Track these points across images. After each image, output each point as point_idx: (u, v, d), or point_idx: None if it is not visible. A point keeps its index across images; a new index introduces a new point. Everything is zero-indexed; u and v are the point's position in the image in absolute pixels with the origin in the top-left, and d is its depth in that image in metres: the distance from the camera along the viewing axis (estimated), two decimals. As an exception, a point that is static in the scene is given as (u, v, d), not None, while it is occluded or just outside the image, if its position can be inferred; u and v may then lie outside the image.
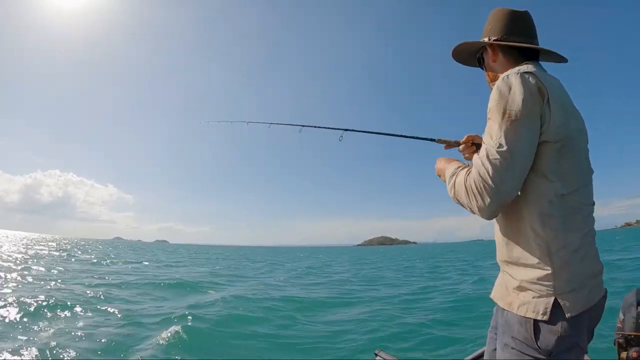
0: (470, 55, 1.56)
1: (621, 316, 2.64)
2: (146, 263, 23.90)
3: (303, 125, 2.47)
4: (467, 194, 1.21)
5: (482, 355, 2.45)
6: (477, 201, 1.18)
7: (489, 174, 1.14)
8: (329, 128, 2.26)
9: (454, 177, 1.30)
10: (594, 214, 1.29)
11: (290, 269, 24.32)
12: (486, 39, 1.44)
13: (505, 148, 1.14)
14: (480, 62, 1.54)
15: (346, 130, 2.07)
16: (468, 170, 1.25)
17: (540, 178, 1.18)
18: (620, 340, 2.58)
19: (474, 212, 1.23)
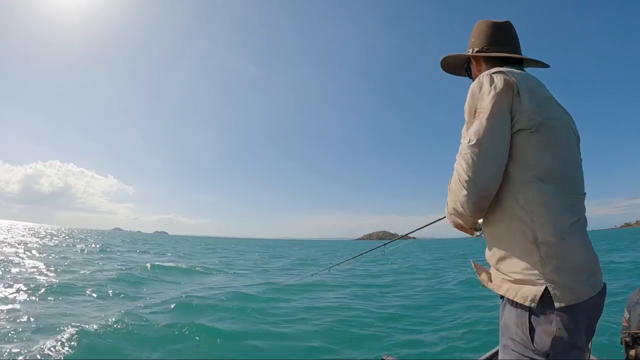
0: (458, 66, 1.64)
1: (627, 315, 2.60)
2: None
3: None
4: (451, 196, 1.29)
5: (496, 354, 2.51)
6: (458, 198, 1.24)
7: (463, 169, 1.21)
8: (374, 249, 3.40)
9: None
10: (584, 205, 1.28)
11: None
12: (470, 51, 1.53)
13: (474, 142, 1.20)
14: (468, 73, 1.61)
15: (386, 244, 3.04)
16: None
17: (519, 166, 1.20)
18: (627, 339, 2.51)
19: (459, 213, 1.28)
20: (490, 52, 1.46)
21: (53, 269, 12.33)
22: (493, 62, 1.45)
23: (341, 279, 12.88)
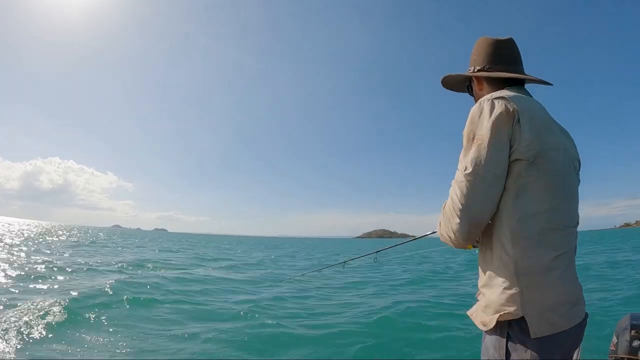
0: (459, 84, 1.60)
1: (615, 340, 2.63)
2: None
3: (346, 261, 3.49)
4: (444, 222, 1.30)
5: None
6: (451, 225, 1.25)
7: (457, 197, 1.21)
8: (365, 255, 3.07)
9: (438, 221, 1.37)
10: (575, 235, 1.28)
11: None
12: (471, 69, 1.49)
13: (470, 170, 1.18)
14: (469, 90, 1.57)
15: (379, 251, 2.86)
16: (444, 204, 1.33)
17: (511, 196, 1.19)
18: None
19: (452, 239, 1.29)
20: (492, 71, 1.43)
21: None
22: (494, 80, 1.43)
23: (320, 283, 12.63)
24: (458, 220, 1.21)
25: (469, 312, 1.37)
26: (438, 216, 1.38)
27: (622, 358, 2.52)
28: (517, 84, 1.40)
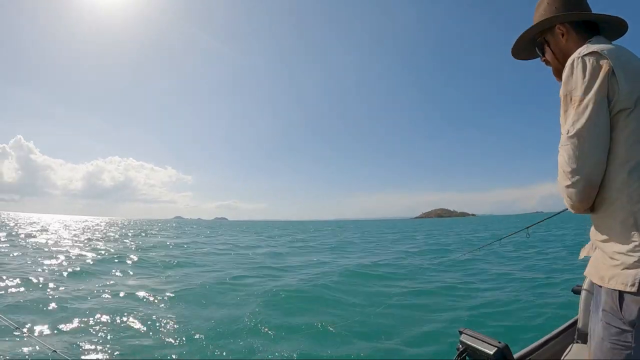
0: (529, 47, 1.55)
1: None
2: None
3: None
4: (560, 188, 1.28)
5: (574, 323, 2.51)
6: (564, 190, 1.24)
7: (565, 161, 1.21)
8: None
9: None
10: None
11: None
12: (554, 18, 1.43)
13: (572, 133, 1.18)
14: (541, 48, 1.50)
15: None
16: None
17: (619, 147, 1.17)
18: None
19: (569, 204, 1.26)
20: (581, 16, 1.38)
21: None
22: (580, 28, 1.39)
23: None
24: (569, 183, 1.20)
25: (585, 273, 1.35)
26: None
27: None
28: (595, 33, 1.37)
